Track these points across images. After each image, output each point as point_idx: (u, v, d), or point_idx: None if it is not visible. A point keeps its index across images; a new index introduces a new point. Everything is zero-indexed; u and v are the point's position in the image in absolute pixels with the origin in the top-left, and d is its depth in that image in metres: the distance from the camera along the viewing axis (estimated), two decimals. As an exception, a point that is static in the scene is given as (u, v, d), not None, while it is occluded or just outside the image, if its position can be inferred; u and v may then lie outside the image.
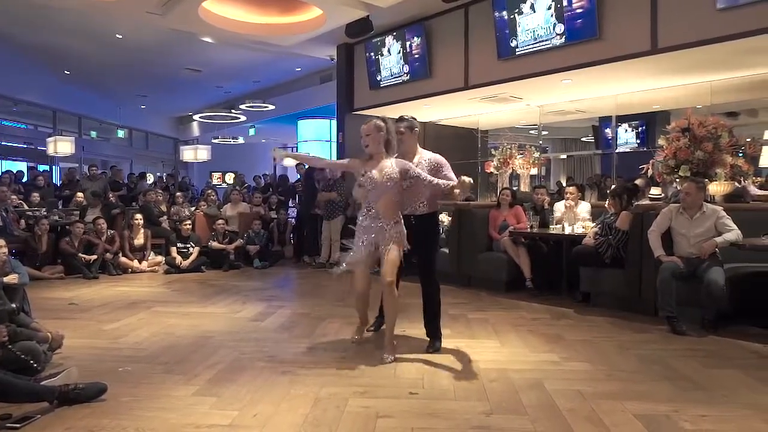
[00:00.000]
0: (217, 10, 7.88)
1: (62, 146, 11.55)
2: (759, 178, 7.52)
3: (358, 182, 3.80)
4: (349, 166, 3.97)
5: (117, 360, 3.72)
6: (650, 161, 5.87)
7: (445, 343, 4.10)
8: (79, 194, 9.53)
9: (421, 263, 4.07)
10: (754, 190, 6.98)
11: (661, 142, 5.60)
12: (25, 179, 11.52)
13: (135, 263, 7.99)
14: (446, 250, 6.70)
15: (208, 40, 9.73)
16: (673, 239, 4.75)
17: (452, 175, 3.99)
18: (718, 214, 4.57)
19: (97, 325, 4.77)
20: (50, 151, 11.60)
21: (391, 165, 3.72)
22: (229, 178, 18.77)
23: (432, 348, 3.96)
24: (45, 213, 8.38)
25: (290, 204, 10.95)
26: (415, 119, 4.18)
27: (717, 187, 5.37)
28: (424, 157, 4.05)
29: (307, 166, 10.08)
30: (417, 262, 4.06)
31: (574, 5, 6.22)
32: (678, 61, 6.10)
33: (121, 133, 18.36)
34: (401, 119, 4.12)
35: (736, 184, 5.49)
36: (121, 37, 10.41)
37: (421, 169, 3.88)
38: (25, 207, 8.77)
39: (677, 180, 5.36)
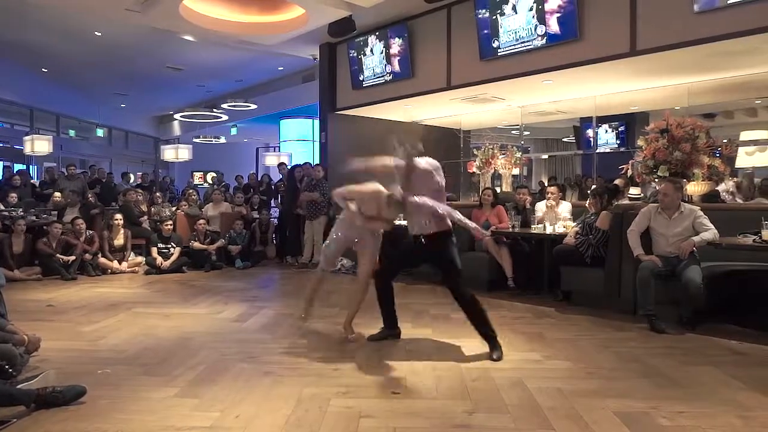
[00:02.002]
0: (199, 8, 7.81)
1: (39, 145, 11.35)
2: (735, 179, 7.68)
3: None
4: None
5: (96, 362, 3.67)
6: (630, 161, 5.96)
7: (427, 342, 4.12)
8: (57, 194, 9.37)
9: (444, 281, 4.07)
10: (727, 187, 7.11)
11: (640, 142, 5.69)
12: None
13: (114, 264, 7.89)
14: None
15: (190, 38, 9.64)
16: (652, 238, 4.81)
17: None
18: (695, 213, 4.65)
19: (76, 327, 4.70)
20: (27, 150, 11.39)
21: None
22: (211, 177, 18.61)
23: (491, 357, 3.78)
24: (22, 213, 8.23)
25: (272, 204, 10.90)
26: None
27: (695, 187, 5.46)
28: (421, 166, 3.84)
29: (290, 166, 10.07)
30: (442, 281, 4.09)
31: (555, 7, 6.27)
32: (656, 63, 6.19)
33: (100, 132, 18.10)
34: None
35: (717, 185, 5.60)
36: (100, 34, 10.27)
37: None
38: (1, 207, 8.61)
39: (656, 180, 5.45)
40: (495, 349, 3.82)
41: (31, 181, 11.55)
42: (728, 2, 5.12)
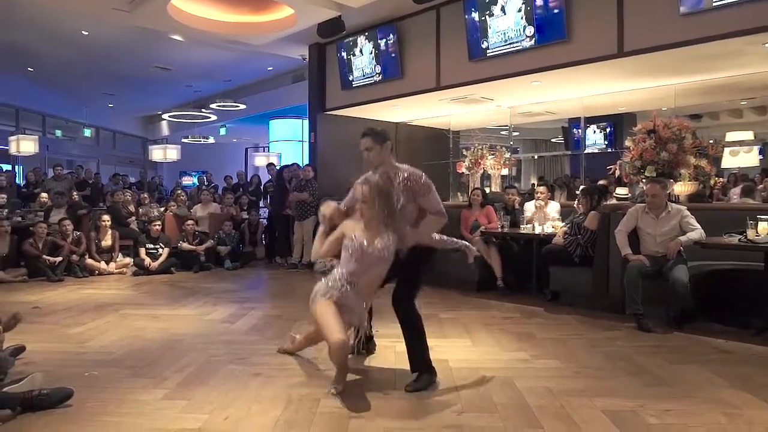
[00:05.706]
0: (187, 7, 7.76)
1: (25, 145, 11.23)
2: (721, 179, 7.76)
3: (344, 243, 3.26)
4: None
5: (83, 364, 3.64)
6: (617, 162, 6.00)
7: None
8: (43, 194, 9.29)
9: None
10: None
11: (627, 143, 5.73)
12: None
13: (102, 265, 7.82)
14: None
15: (178, 38, 9.57)
16: (640, 238, 4.86)
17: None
18: (682, 213, 4.70)
19: (62, 329, 4.66)
20: (12, 150, 11.27)
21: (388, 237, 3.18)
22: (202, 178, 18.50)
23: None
24: (7, 214, 8.14)
25: (261, 204, 10.86)
26: (383, 131, 3.48)
27: (681, 187, 5.51)
28: (403, 173, 3.34)
29: (278, 167, 10.04)
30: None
31: (544, 8, 6.31)
32: (643, 64, 6.24)
33: (87, 132, 17.93)
34: (367, 132, 3.42)
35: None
36: (87, 33, 10.18)
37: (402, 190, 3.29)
38: (-13, 208, 8.51)
39: (644, 180, 5.49)
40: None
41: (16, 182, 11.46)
42: (713, 5, 5.17)
